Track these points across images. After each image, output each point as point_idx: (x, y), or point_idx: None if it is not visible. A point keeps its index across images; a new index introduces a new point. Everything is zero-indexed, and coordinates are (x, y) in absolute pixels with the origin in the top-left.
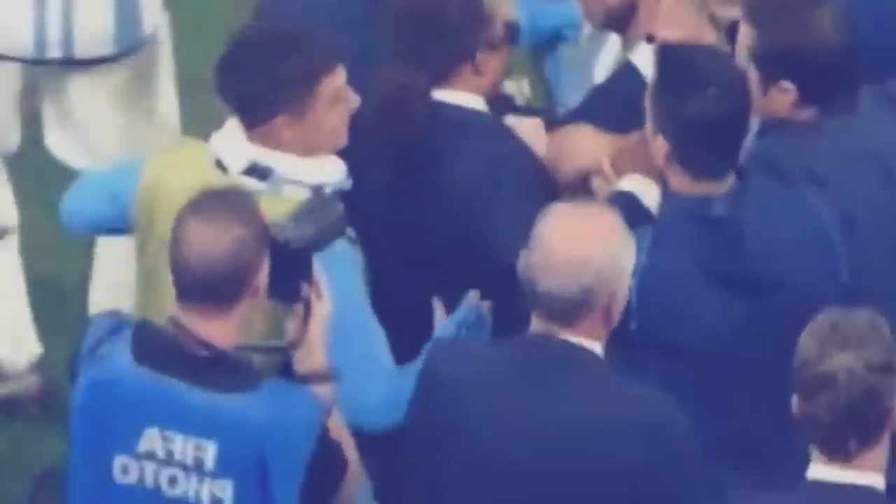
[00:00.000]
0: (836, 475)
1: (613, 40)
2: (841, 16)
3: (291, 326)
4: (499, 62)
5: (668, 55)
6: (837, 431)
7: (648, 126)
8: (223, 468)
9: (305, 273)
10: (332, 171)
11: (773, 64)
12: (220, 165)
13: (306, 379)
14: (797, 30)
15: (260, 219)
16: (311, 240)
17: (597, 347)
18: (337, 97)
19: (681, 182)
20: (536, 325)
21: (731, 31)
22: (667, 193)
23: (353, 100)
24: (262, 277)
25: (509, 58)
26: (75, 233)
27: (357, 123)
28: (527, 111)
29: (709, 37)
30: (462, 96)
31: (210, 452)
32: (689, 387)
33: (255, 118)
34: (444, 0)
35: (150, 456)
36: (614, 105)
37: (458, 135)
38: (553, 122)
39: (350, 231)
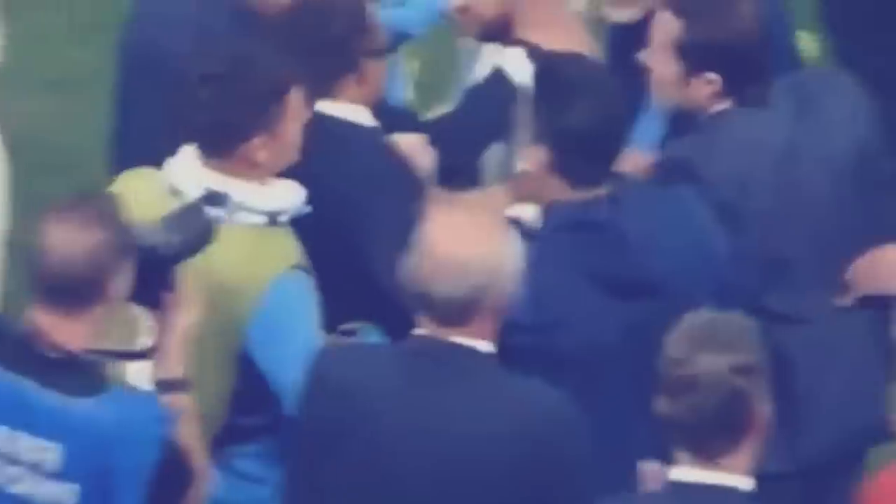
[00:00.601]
0: (700, 476)
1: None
2: (757, 8)
3: (152, 333)
4: (382, 70)
5: (545, 67)
6: (702, 433)
7: (525, 135)
8: (69, 471)
9: (168, 281)
10: (288, 198)
11: (700, 55)
12: (175, 193)
13: (161, 386)
14: (725, 22)
15: (121, 224)
16: (178, 248)
17: (485, 346)
18: (300, 108)
19: (559, 190)
20: (423, 327)
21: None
22: (548, 203)
23: (307, 111)
24: (120, 282)
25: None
26: None
27: None
28: (408, 121)
29: (583, 43)
30: (347, 108)
31: (56, 455)
32: (576, 396)
33: (227, 145)
34: (329, 10)
35: None
36: (484, 109)
37: (341, 151)
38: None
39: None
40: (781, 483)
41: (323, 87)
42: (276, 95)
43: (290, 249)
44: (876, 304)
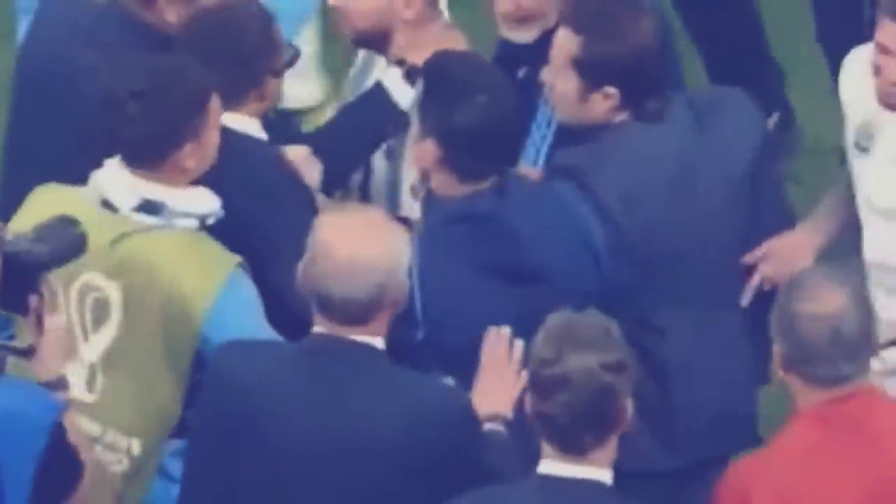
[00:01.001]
0: (567, 470)
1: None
2: (656, 23)
3: (27, 336)
4: (278, 86)
5: (437, 65)
6: (574, 430)
7: (415, 132)
8: None
9: (35, 287)
10: (212, 201)
11: (599, 70)
12: (106, 205)
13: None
14: (622, 38)
15: None
16: (45, 257)
17: (379, 343)
18: (219, 115)
19: (447, 184)
20: (320, 326)
21: None
22: (430, 198)
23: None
24: None
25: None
26: None
27: None
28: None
29: None
30: (244, 121)
31: None
32: (469, 387)
33: (159, 155)
34: (242, 29)
35: None
36: (362, 122)
37: (239, 163)
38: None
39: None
40: (654, 481)
41: (227, 101)
42: (202, 104)
43: (225, 249)
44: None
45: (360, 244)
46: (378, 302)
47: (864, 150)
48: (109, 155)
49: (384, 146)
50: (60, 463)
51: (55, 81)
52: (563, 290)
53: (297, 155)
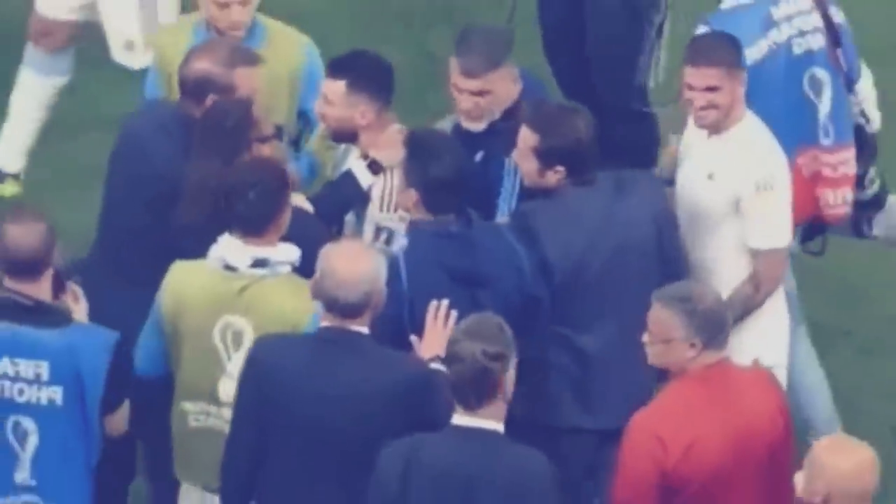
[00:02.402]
0: (468, 421)
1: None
2: (589, 118)
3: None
4: (269, 150)
5: (415, 138)
6: (464, 392)
7: (399, 183)
8: (54, 378)
9: (62, 286)
10: (295, 251)
11: (551, 156)
12: (228, 267)
13: None
14: (566, 133)
15: (47, 219)
16: (59, 267)
17: (366, 330)
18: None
19: (423, 216)
20: (327, 321)
21: None
22: (412, 223)
23: None
24: (57, 255)
25: (280, 147)
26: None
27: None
28: None
29: None
30: None
31: (44, 369)
32: None
33: (269, 223)
34: (224, 113)
35: (4, 377)
36: (337, 195)
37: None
38: None
39: None
40: (579, 437)
41: (227, 163)
42: (287, 187)
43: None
44: None
45: (353, 265)
46: (367, 303)
47: (681, 161)
48: (211, 226)
49: (353, 212)
50: (123, 372)
51: (135, 154)
52: (498, 296)
53: (299, 200)
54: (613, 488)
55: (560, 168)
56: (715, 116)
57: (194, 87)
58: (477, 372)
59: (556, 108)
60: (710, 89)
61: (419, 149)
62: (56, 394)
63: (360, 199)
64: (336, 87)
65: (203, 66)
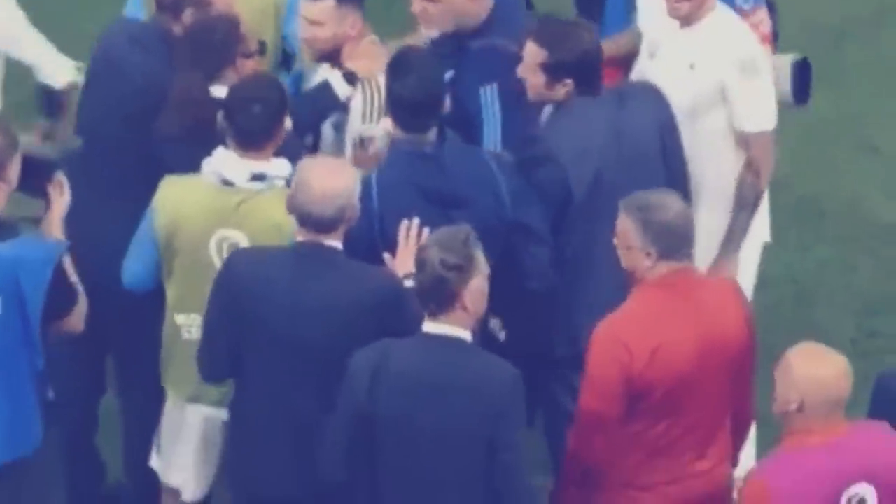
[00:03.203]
0: (436, 328)
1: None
2: (593, 31)
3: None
4: (253, 65)
5: (395, 58)
6: (425, 299)
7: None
8: None
9: (48, 177)
10: (289, 166)
11: (560, 69)
12: (225, 182)
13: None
14: (574, 47)
15: (10, 134)
16: (50, 159)
17: (339, 245)
18: None
19: (398, 135)
20: (301, 235)
21: None
22: (392, 141)
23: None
24: (13, 171)
25: (261, 64)
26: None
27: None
28: None
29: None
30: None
31: None
32: None
33: (269, 139)
34: (212, 28)
35: None
36: (312, 109)
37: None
38: None
39: None
40: (555, 365)
41: (211, 76)
42: (286, 102)
43: None
44: None
45: (327, 179)
46: (340, 218)
47: (652, 56)
48: (202, 138)
49: (332, 120)
50: (62, 289)
51: (112, 71)
52: (473, 218)
53: None
54: (581, 396)
55: (568, 81)
56: (688, 8)
57: (172, 3)
58: (434, 280)
59: (561, 22)
60: None
61: (392, 66)
62: None
63: (336, 109)
64: (324, 6)
65: None
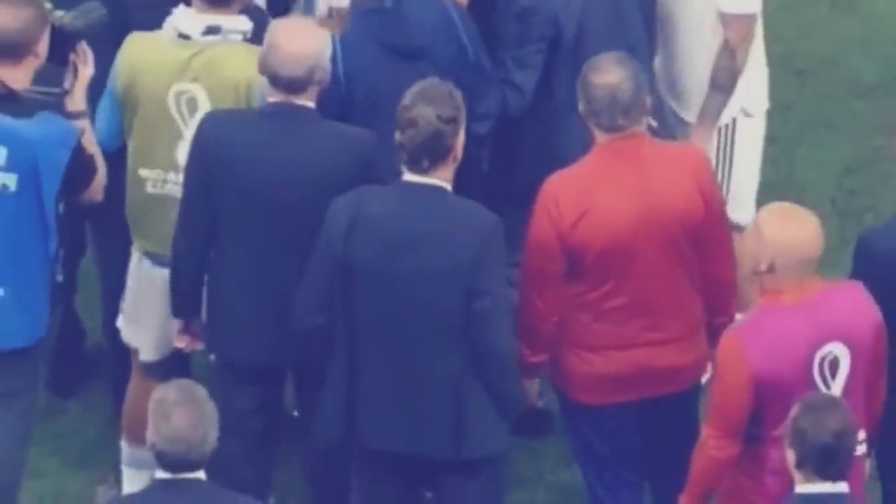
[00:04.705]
0: (419, 179)
1: None
2: None
3: (67, 80)
4: None
5: None
6: (416, 155)
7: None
8: (10, 165)
9: (73, 46)
10: (248, 22)
11: None
12: (182, 36)
13: (72, 115)
14: None
15: (41, 8)
16: (77, 29)
17: (312, 104)
18: None
19: None
20: (275, 97)
21: None
22: (354, 3)
23: None
24: (43, 45)
25: None
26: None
27: None
28: None
29: None
30: None
31: (3, 153)
32: (377, 132)
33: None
34: None
35: None
36: None
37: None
38: None
39: None
40: None
41: None
42: None
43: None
44: None
45: (297, 40)
46: (310, 78)
47: None
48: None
49: None
50: (81, 168)
51: None
52: (438, 68)
53: None
54: (522, 258)
55: None
56: None
57: None
58: (431, 135)
59: None
60: None
61: None
62: (11, 180)
63: None
64: None
65: None
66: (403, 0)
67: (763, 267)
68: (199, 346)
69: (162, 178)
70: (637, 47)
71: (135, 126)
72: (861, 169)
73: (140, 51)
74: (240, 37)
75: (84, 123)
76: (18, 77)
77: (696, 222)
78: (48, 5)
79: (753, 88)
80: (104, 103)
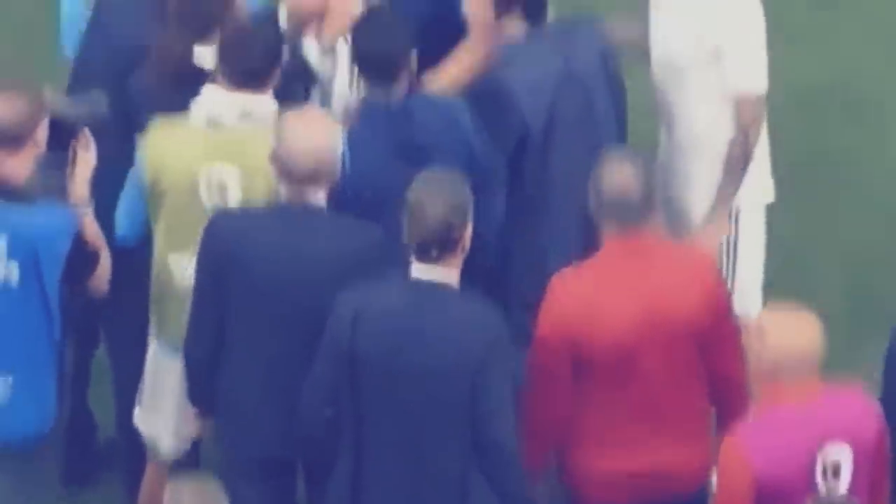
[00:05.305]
0: (424, 272)
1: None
2: None
3: (67, 168)
4: None
5: (361, 14)
6: (425, 244)
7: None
8: (10, 254)
9: (74, 136)
10: (274, 102)
11: (509, 3)
12: (212, 119)
13: (73, 203)
14: None
15: (39, 95)
16: (79, 117)
17: (322, 200)
18: None
19: (368, 91)
20: (287, 191)
21: None
22: (362, 99)
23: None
24: (42, 133)
25: None
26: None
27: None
28: None
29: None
30: (207, 51)
31: (3, 242)
32: (383, 227)
33: (265, 81)
34: None
35: None
36: (292, 71)
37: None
38: None
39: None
40: (528, 310)
41: (201, 38)
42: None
43: None
44: None
45: (306, 133)
46: (320, 171)
47: (657, 8)
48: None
49: (318, 85)
50: (82, 258)
51: (104, 24)
52: (445, 162)
53: None
54: (530, 356)
55: (516, 11)
56: None
57: None
58: (440, 225)
59: None
60: None
61: (356, 23)
62: (13, 268)
63: (311, 77)
64: None
65: None
66: (411, 99)
67: (764, 370)
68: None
69: (190, 264)
70: (609, 140)
71: (162, 213)
72: (874, 265)
73: (167, 137)
74: (271, 118)
75: (86, 211)
76: (17, 165)
77: (702, 324)
78: (48, 92)
79: (757, 176)
80: (127, 194)
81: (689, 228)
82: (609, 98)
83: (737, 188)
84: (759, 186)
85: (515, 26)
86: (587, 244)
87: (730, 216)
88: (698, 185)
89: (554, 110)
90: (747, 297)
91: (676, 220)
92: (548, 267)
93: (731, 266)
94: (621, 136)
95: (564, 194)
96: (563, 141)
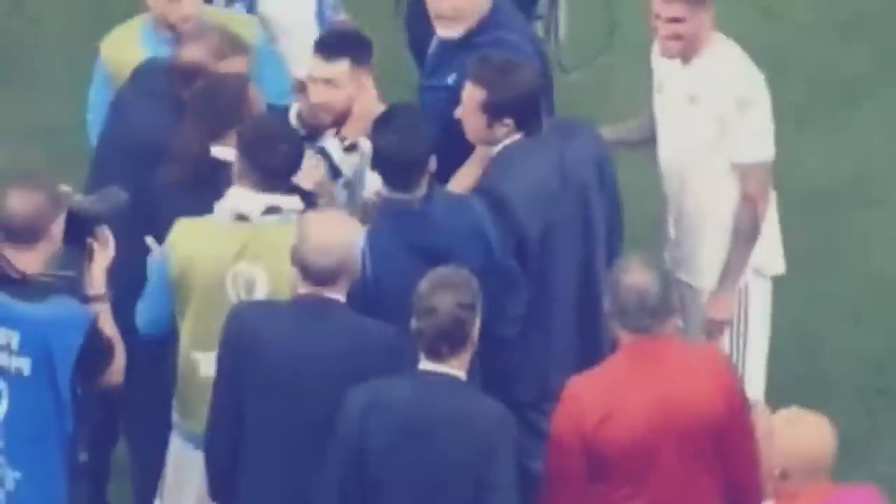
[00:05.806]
0: (435, 368)
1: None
2: (534, 69)
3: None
4: None
5: (381, 114)
6: (435, 344)
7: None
8: (23, 349)
9: (91, 231)
10: (298, 200)
11: (499, 109)
12: (240, 217)
13: (89, 298)
14: (513, 86)
15: (54, 191)
16: (97, 213)
17: (341, 297)
18: None
19: (388, 192)
20: (303, 288)
21: None
22: (381, 200)
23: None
24: (57, 229)
25: None
26: (163, 333)
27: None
28: None
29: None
30: (228, 150)
31: (15, 338)
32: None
33: (282, 180)
34: (219, 90)
35: None
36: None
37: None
38: None
39: None
40: (519, 408)
41: (215, 138)
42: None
43: None
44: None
45: (327, 232)
46: (340, 270)
47: (659, 91)
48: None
49: (342, 181)
50: (95, 352)
51: (122, 125)
52: (462, 266)
53: None
54: (544, 457)
55: (508, 121)
56: (679, 47)
57: (184, 76)
58: (451, 323)
59: (501, 61)
60: (675, 20)
61: (376, 124)
62: (24, 364)
63: (334, 173)
64: (340, 68)
65: (195, 55)
66: (432, 201)
67: (776, 473)
68: None
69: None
70: (604, 244)
71: (189, 310)
72: (891, 363)
73: (193, 235)
74: (295, 215)
75: (102, 307)
76: (31, 261)
77: (718, 428)
78: (66, 189)
79: (766, 248)
80: (150, 291)
81: (699, 302)
82: (604, 206)
83: (746, 259)
84: (768, 257)
85: (507, 133)
86: (585, 350)
87: (740, 290)
88: (707, 258)
89: (549, 221)
90: (752, 378)
91: (684, 294)
92: (546, 371)
93: (742, 339)
94: (617, 243)
95: (562, 300)
96: (556, 252)
